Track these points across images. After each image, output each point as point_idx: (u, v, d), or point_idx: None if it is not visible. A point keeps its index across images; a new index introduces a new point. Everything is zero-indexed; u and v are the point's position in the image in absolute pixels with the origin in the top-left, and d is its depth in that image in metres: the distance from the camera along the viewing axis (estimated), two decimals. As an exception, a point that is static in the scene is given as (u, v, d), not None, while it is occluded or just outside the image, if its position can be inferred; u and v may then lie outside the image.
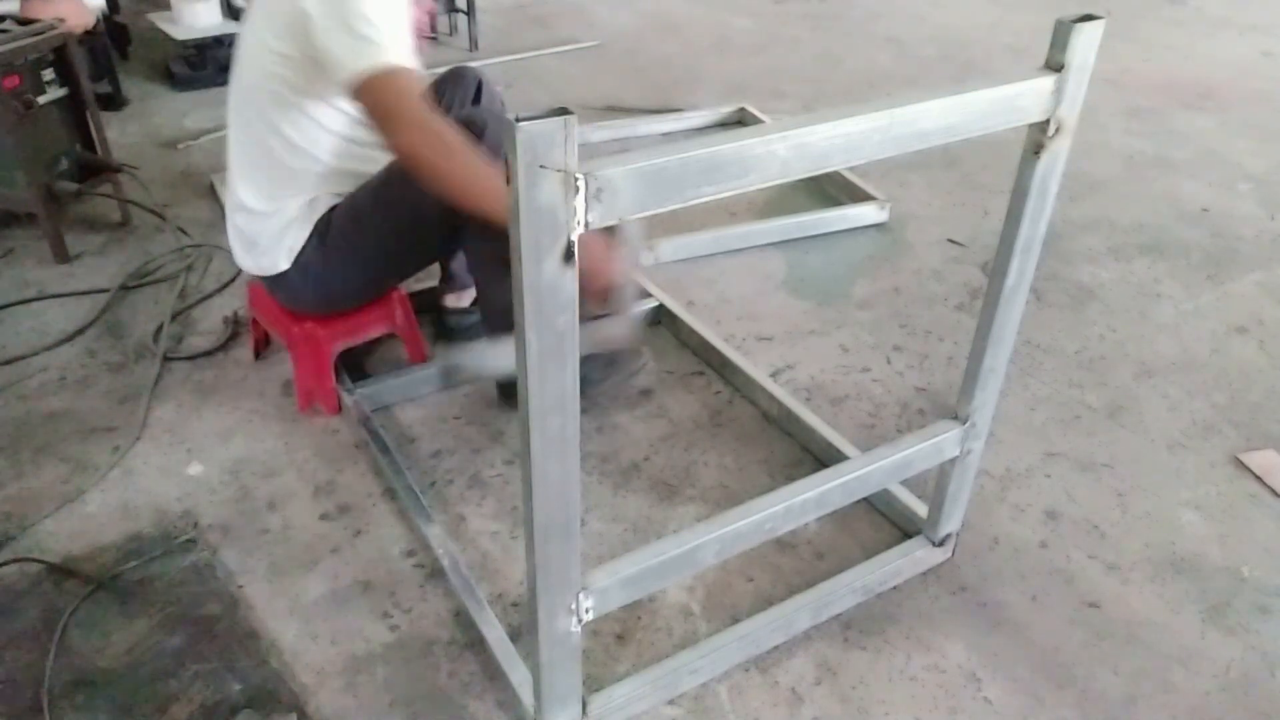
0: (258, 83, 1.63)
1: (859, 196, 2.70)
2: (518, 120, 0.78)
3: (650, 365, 1.92)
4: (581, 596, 1.10)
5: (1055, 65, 1.09)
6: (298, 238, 1.71)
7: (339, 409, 1.85)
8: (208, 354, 2.03)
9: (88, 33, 3.02)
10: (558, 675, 1.16)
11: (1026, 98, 1.09)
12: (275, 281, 1.77)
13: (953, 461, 1.45)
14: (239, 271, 2.23)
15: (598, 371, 1.81)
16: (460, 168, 1.44)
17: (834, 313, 2.26)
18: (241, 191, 1.71)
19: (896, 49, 4.15)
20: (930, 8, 4.73)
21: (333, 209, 1.72)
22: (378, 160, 1.68)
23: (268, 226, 1.71)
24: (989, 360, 1.35)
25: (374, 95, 1.45)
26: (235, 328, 2.10)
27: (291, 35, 1.51)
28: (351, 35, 1.44)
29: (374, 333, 1.92)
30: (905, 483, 1.63)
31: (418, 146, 1.45)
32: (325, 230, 1.71)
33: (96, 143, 2.47)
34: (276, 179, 1.68)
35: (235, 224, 1.75)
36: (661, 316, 2.17)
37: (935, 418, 1.67)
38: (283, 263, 1.72)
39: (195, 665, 1.36)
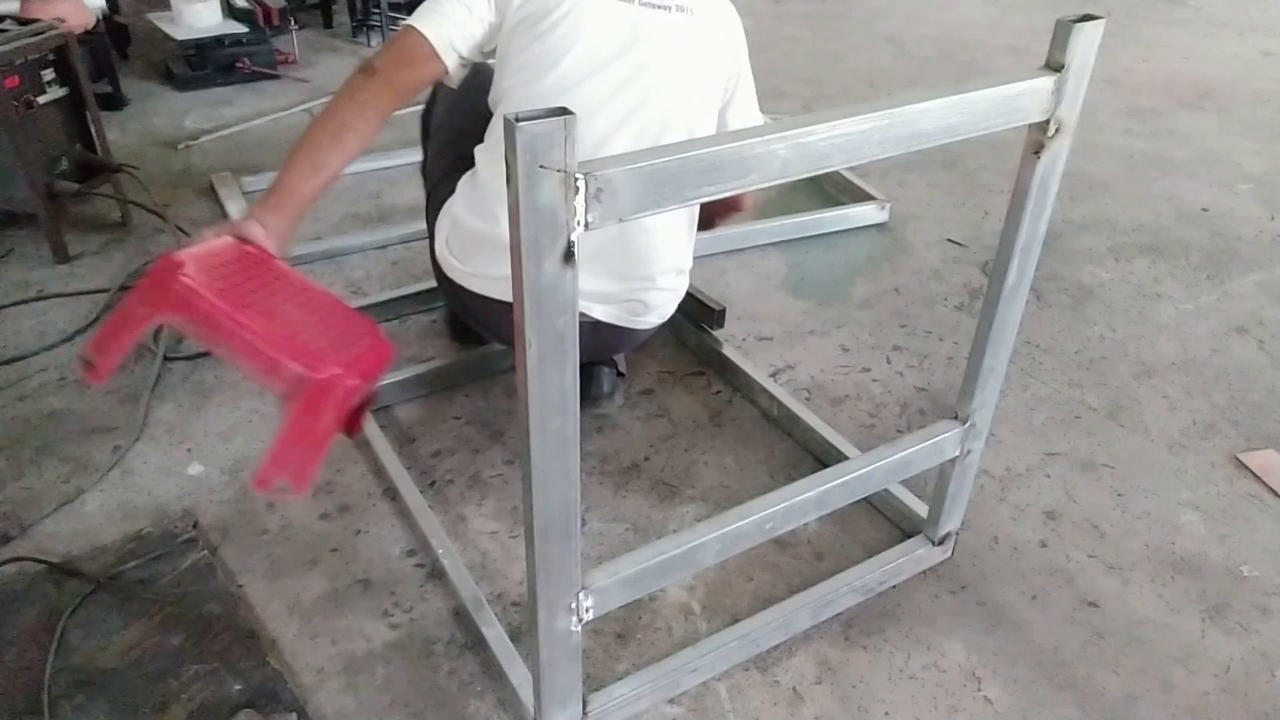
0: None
1: (859, 196, 2.70)
2: (517, 120, 0.78)
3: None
4: (581, 596, 1.10)
5: (1055, 65, 1.09)
6: None
7: (309, 487, 1.29)
8: (208, 354, 2.03)
9: (88, 33, 3.02)
10: (558, 674, 1.16)
11: (1026, 98, 1.09)
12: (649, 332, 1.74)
13: (953, 461, 1.45)
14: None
15: (607, 384, 1.83)
16: None
17: (834, 313, 2.26)
18: (684, 254, 1.67)
19: (896, 49, 4.15)
20: (930, 8, 4.73)
21: None
22: None
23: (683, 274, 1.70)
24: (989, 360, 1.35)
25: None
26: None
27: (720, 99, 1.61)
28: (755, 103, 1.67)
29: (376, 383, 1.44)
30: (905, 482, 1.63)
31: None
32: None
33: (96, 143, 2.47)
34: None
35: (675, 288, 1.68)
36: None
37: (935, 418, 1.67)
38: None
39: (195, 665, 1.36)
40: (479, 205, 1.55)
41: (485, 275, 1.58)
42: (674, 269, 1.64)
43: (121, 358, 1.27)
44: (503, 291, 1.56)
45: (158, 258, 1.23)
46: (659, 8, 1.48)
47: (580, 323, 1.49)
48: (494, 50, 1.53)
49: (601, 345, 1.71)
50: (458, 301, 1.71)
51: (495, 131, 1.55)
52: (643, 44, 1.48)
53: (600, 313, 1.60)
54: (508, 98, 1.50)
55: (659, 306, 1.66)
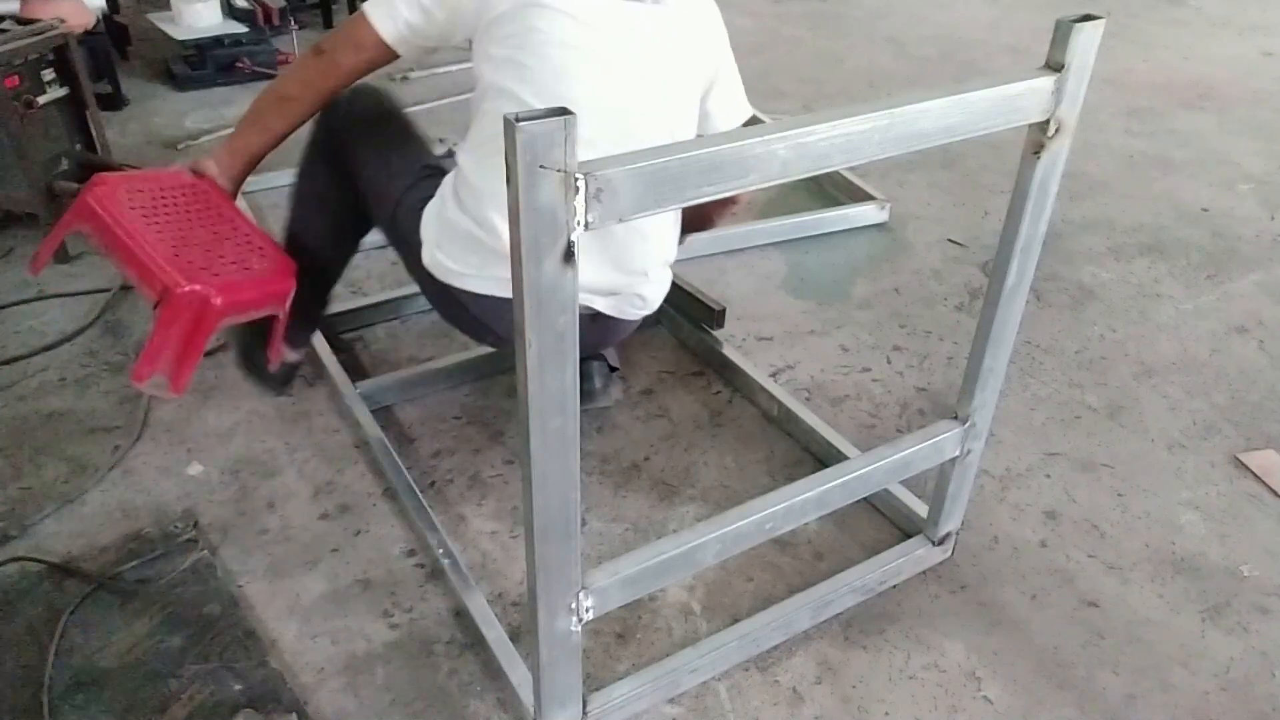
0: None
1: (859, 196, 2.70)
2: (518, 120, 0.78)
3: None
4: (581, 596, 1.10)
5: (1055, 65, 1.09)
6: None
7: (183, 389, 1.46)
8: (208, 354, 2.02)
9: (88, 32, 3.02)
10: (558, 674, 1.17)
11: (1026, 98, 1.09)
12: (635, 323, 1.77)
13: (953, 461, 1.45)
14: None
15: (599, 379, 1.83)
16: None
17: (834, 313, 2.26)
18: (673, 247, 1.68)
19: (896, 49, 4.15)
20: (930, 8, 4.73)
21: None
22: None
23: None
24: (989, 360, 1.35)
25: None
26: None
27: (700, 95, 1.61)
28: (741, 89, 1.69)
29: (263, 312, 1.59)
30: (905, 482, 1.63)
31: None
32: None
33: (96, 143, 2.47)
34: None
35: (664, 280, 1.69)
36: (661, 317, 2.17)
37: (935, 418, 1.67)
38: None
39: (195, 665, 1.36)
40: (471, 208, 1.52)
41: (486, 275, 1.56)
42: (664, 261, 1.65)
43: (49, 254, 1.55)
44: (504, 288, 1.55)
45: (91, 179, 1.44)
46: None
47: (580, 314, 1.48)
48: (465, 42, 1.52)
49: (595, 338, 1.71)
50: (453, 307, 1.68)
51: (482, 133, 1.51)
52: (621, 39, 1.47)
53: (601, 305, 1.61)
54: (489, 99, 1.48)
55: (651, 298, 1.67)
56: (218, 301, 1.40)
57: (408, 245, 1.62)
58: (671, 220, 1.65)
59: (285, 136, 1.66)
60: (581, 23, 1.43)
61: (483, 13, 1.46)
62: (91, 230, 1.47)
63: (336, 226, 1.78)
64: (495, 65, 1.46)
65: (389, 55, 1.56)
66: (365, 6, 1.53)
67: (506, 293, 1.54)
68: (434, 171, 1.62)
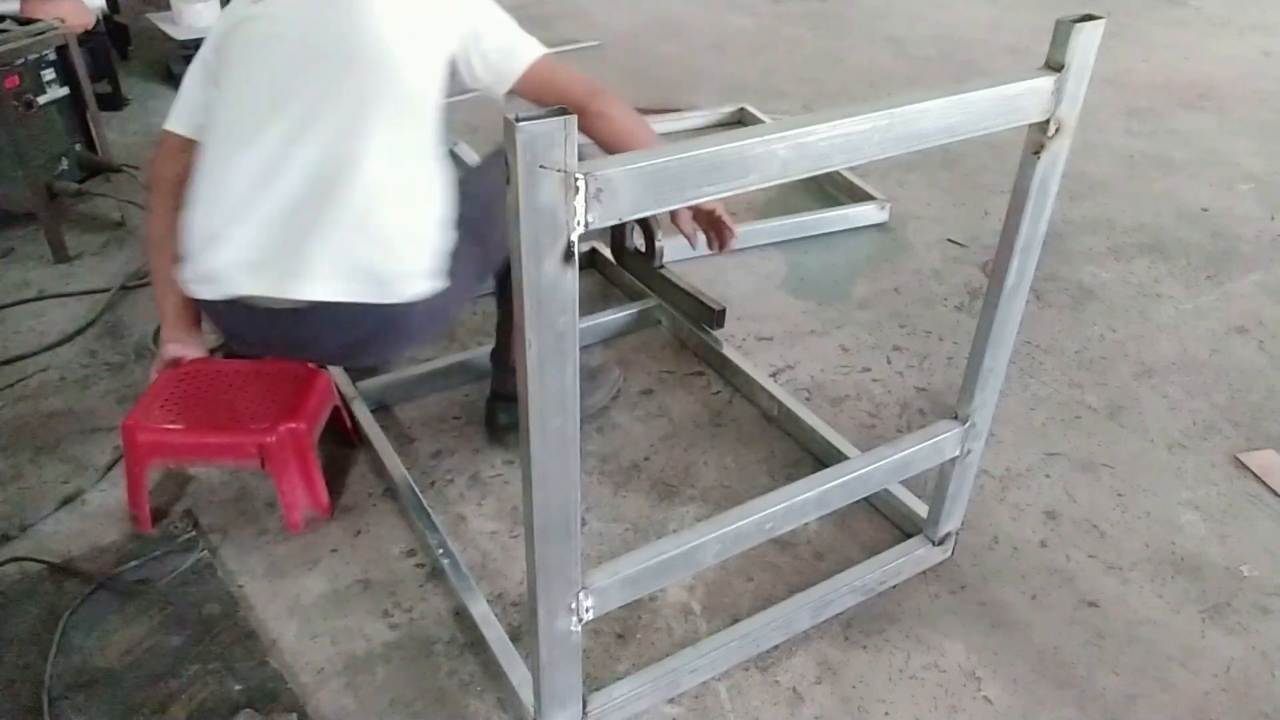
0: (419, 93, 1.50)
1: (859, 196, 2.70)
2: (517, 120, 0.78)
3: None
4: (581, 596, 1.10)
5: (1055, 65, 1.10)
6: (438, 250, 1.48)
7: (330, 506, 1.63)
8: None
9: (88, 32, 3.02)
10: (558, 674, 1.17)
11: (1026, 98, 1.09)
12: (402, 314, 1.46)
13: (953, 461, 1.45)
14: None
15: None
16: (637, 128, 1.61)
17: (834, 313, 2.26)
18: (391, 212, 1.45)
19: (896, 49, 4.15)
20: (930, 8, 4.73)
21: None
22: None
23: (421, 246, 1.47)
24: (989, 360, 1.35)
25: (543, 76, 1.59)
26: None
27: (460, 46, 1.54)
28: (512, 36, 1.59)
29: (328, 409, 1.69)
30: (905, 482, 1.63)
31: (615, 106, 1.60)
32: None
33: (96, 143, 2.47)
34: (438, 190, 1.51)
35: (371, 256, 1.43)
36: (661, 316, 2.18)
37: (935, 418, 1.67)
38: (423, 284, 1.45)
39: (195, 665, 1.36)
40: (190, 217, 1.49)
41: (190, 280, 1.49)
42: (414, 234, 1.46)
43: (147, 505, 1.60)
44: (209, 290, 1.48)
45: (120, 429, 1.54)
46: None
47: (281, 309, 1.43)
48: None
49: (344, 338, 1.51)
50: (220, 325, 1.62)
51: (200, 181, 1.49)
52: (311, 30, 1.46)
53: (325, 291, 1.41)
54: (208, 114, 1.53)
55: (396, 277, 1.43)
56: (302, 426, 1.55)
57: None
58: (422, 179, 1.48)
59: None
60: (272, 20, 1.48)
61: (219, 57, 1.52)
62: (162, 459, 1.61)
63: None
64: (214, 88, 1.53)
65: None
66: (167, 119, 1.60)
67: (211, 295, 1.47)
68: None
